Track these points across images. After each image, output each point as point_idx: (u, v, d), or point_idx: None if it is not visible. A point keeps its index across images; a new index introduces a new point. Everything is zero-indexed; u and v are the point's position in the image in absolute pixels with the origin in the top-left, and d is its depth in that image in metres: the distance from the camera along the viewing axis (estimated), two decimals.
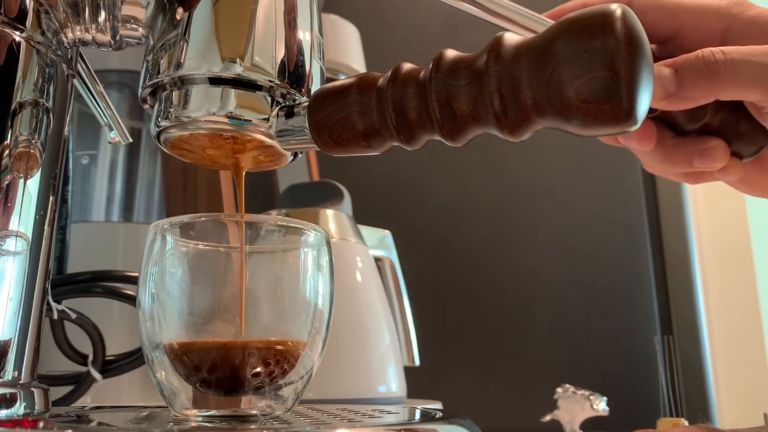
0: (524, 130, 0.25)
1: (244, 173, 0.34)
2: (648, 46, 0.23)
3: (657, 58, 0.31)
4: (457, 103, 0.25)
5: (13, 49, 0.31)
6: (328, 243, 0.33)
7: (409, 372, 0.69)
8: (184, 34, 0.31)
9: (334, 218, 0.66)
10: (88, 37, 0.34)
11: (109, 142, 0.43)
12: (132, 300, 0.43)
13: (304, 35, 0.32)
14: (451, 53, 0.26)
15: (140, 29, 0.34)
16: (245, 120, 0.31)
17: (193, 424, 0.30)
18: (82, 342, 0.44)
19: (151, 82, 0.31)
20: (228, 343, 0.30)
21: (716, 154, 0.32)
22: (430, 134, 0.27)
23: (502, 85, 0.24)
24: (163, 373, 0.31)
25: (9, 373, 0.29)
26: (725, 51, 0.29)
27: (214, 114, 0.30)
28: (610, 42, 0.22)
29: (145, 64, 0.32)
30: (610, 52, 0.22)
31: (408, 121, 0.26)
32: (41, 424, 0.29)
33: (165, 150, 0.33)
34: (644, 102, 0.23)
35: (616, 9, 0.22)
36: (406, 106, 0.26)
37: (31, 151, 0.31)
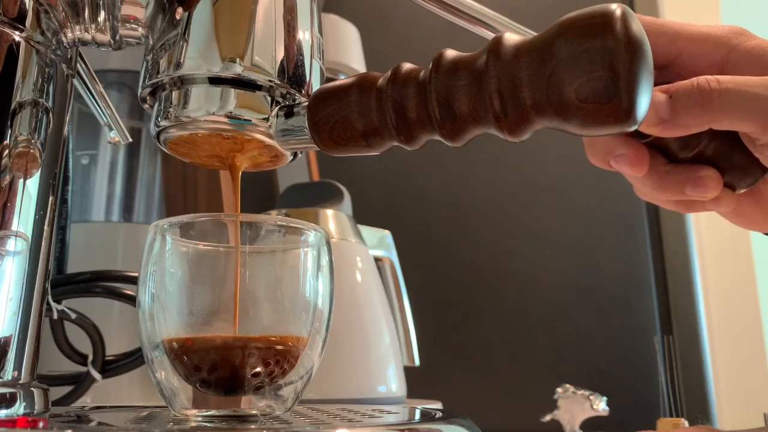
0: (524, 130, 0.24)
1: (240, 173, 0.33)
2: (648, 47, 0.23)
3: (654, 84, 0.31)
4: (456, 103, 0.25)
5: (12, 49, 0.31)
6: (328, 243, 0.33)
7: (409, 372, 0.69)
8: (184, 34, 0.31)
9: (334, 218, 0.66)
10: (87, 36, 0.34)
11: (109, 142, 0.43)
12: (132, 300, 0.43)
13: (303, 35, 0.32)
14: (451, 53, 0.26)
15: (140, 29, 0.34)
16: (245, 120, 0.31)
17: (193, 424, 0.30)
18: (82, 342, 0.44)
19: (150, 82, 0.31)
20: (228, 342, 0.30)
21: (709, 184, 0.31)
22: (430, 134, 0.27)
23: (501, 85, 0.24)
24: (163, 373, 0.31)
25: (9, 373, 0.29)
26: (720, 80, 0.29)
27: (213, 114, 0.30)
28: (610, 42, 0.22)
29: (144, 64, 0.32)
30: (610, 52, 0.22)
31: (408, 121, 0.26)
32: (41, 424, 0.29)
33: (165, 150, 0.33)
34: (644, 102, 0.23)
35: (616, 9, 0.22)
36: (406, 106, 0.26)
37: (31, 150, 0.31)
